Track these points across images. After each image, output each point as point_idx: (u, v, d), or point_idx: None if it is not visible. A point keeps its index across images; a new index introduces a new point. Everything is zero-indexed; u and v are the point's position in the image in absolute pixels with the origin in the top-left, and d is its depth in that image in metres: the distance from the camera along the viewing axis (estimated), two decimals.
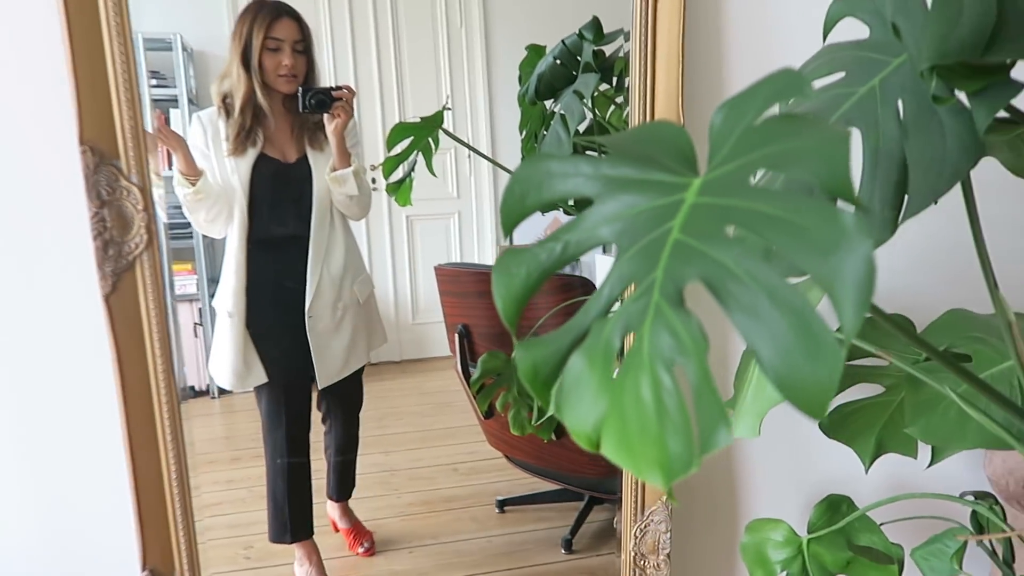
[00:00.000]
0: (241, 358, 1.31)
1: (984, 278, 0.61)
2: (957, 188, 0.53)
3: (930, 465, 1.09)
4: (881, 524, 1.11)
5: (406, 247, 1.51)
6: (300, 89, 1.23)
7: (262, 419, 1.39)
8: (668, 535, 1.19)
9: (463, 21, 1.42)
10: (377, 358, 1.50)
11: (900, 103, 0.57)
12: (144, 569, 1.01)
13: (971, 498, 1.05)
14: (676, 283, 0.41)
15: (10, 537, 1.16)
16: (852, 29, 0.67)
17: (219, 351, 1.32)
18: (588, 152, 1.33)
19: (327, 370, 1.36)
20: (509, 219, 0.49)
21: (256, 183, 1.25)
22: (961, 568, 1.00)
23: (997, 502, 1.09)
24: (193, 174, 1.22)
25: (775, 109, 0.42)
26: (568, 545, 1.58)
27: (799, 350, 0.36)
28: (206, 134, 1.25)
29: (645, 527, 1.19)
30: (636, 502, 1.18)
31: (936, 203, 0.53)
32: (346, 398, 1.43)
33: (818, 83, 0.68)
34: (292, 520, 1.42)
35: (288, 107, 1.25)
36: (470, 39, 1.43)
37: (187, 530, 1.01)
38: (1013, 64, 0.48)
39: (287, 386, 1.37)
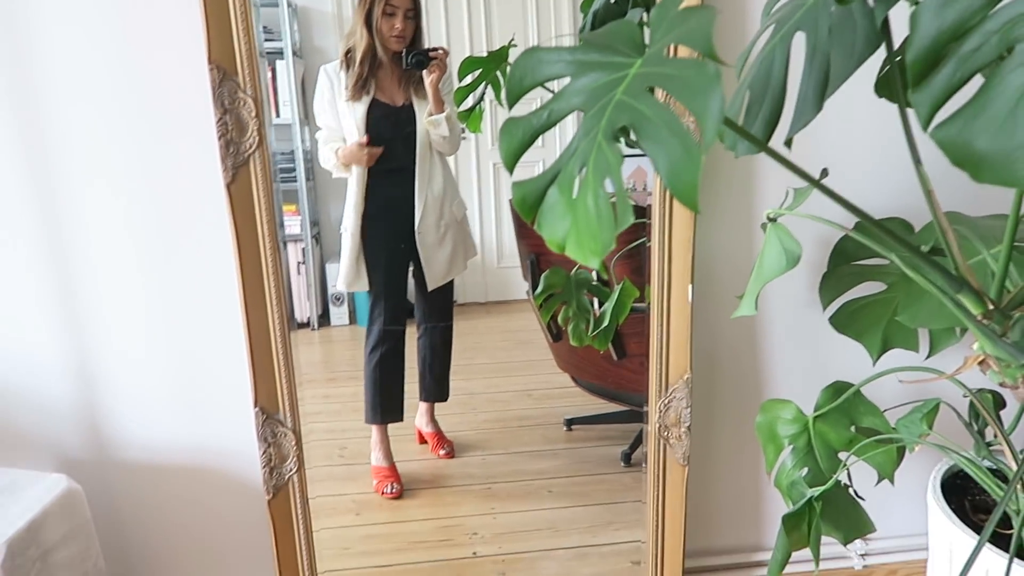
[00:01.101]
0: (354, 266, 1.58)
1: (911, 157, 0.76)
2: None
3: (929, 356, 1.22)
4: (885, 410, 1.22)
5: (492, 195, 1.70)
6: (404, 50, 1.48)
7: (367, 318, 1.63)
8: (688, 410, 1.36)
9: None
10: (464, 298, 1.70)
11: (832, 9, 0.72)
12: (256, 406, 1.28)
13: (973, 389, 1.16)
14: (613, 126, 0.59)
15: (153, 384, 1.47)
16: None
17: (343, 263, 1.60)
18: None
19: (434, 275, 1.61)
20: (512, 95, 0.69)
21: (370, 123, 1.51)
22: (931, 430, 1.12)
23: (994, 393, 1.19)
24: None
25: (694, 2, 0.59)
26: (627, 459, 1.74)
27: (681, 159, 0.54)
28: (332, 83, 1.52)
29: (668, 402, 1.36)
30: (661, 380, 1.35)
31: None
32: (442, 302, 1.67)
33: None
34: (383, 403, 1.67)
35: (396, 62, 1.50)
36: None
37: (288, 378, 1.27)
38: None
39: (391, 288, 1.63)
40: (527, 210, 0.65)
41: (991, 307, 0.81)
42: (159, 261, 1.40)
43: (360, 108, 1.51)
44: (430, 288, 1.61)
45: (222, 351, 1.43)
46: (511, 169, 0.68)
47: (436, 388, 1.72)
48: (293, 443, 1.30)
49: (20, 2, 1.27)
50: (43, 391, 1.45)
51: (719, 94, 0.51)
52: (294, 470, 1.32)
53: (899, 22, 0.75)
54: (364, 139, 1.51)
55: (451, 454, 1.73)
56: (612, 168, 0.57)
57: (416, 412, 1.72)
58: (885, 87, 0.90)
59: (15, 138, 1.33)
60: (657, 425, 1.38)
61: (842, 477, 1.15)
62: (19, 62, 1.30)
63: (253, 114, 1.14)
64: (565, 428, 1.81)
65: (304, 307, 1.66)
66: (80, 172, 1.35)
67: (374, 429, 1.68)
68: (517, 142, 0.67)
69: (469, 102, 1.53)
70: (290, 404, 1.28)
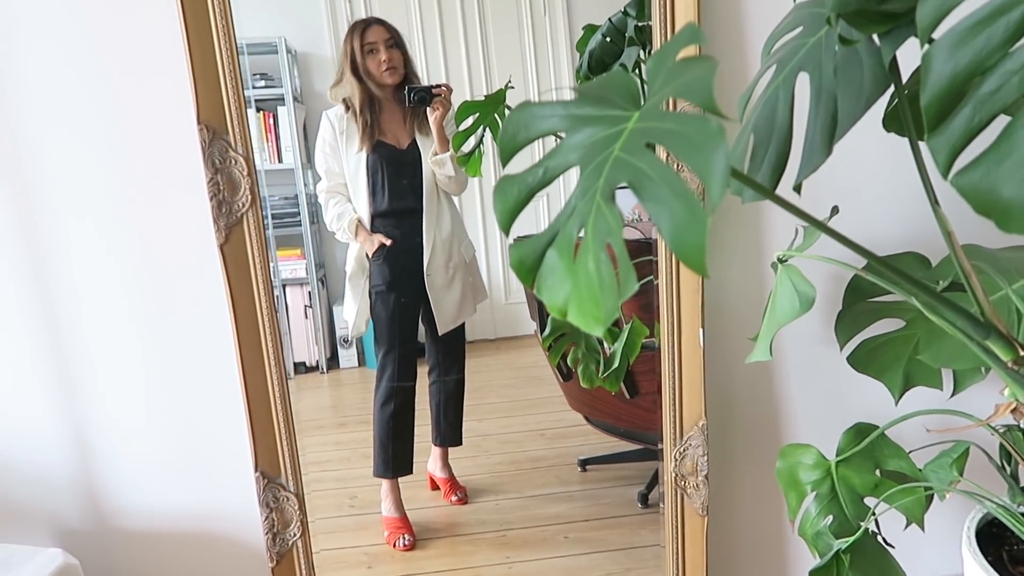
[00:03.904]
0: (366, 311, 1.56)
1: (926, 194, 0.72)
2: None
3: (953, 394, 1.17)
4: (911, 451, 1.17)
5: (498, 232, 1.65)
6: (406, 88, 1.47)
7: (377, 369, 1.60)
8: (705, 458, 1.31)
9: (547, 9, 1.57)
10: (473, 336, 1.67)
11: (837, 48, 0.69)
12: (256, 470, 1.24)
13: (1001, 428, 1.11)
14: (611, 186, 0.56)
15: (151, 450, 1.44)
16: None
17: (347, 307, 1.58)
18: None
19: (444, 318, 1.58)
20: (505, 152, 0.65)
21: (376, 166, 1.50)
22: (962, 475, 1.07)
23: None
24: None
25: (692, 51, 0.56)
26: (644, 500, 1.68)
27: (686, 221, 0.50)
28: (334, 128, 1.50)
29: (683, 450, 1.31)
30: (675, 427, 1.31)
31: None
32: (453, 345, 1.63)
33: (787, 36, 0.80)
34: (395, 458, 1.63)
35: (397, 101, 1.49)
36: (554, 25, 1.56)
37: (289, 440, 1.24)
38: (912, 10, 0.59)
39: (401, 336, 1.59)
40: (525, 273, 0.62)
41: (1022, 352, 0.76)
42: (154, 325, 1.38)
43: (363, 152, 1.49)
44: (441, 332, 1.58)
45: (220, 414, 1.40)
46: (507, 230, 0.64)
47: (451, 433, 1.68)
48: (296, 507, 1.26)
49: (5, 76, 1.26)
50: (38, 462, 1.42)
51: (724, 152, 0.48)
52: (298, 535, 1.28)
53: (907, 59, 0.72)
54: (381, 240, 1.51)
55: (464, 500, 1.69)
56: (613, 231, 0.53)
57: (427, 456, 1.68)
58: (894, 121, 0.87)
59: (5, 207, 1.32)
60: (673, 474, 1.33)
61: (870, 525, 1.10)
62: (9, 133, 1.29)
63: (245, 172, 1.12)
64: (579, 469, 1.76)
65: (312, 351, 1.64)
66: (72, 238, 1.34)
67: (384, 481, 1.64)
68: (512, 201, 0.64)
69: (469, 146, 1.51)
70: (292, 467, 1.25)
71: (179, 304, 1.37)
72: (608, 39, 1.44)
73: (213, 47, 1.09)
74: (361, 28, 1.46)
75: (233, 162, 1.11)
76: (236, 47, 1.11)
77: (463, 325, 1.62)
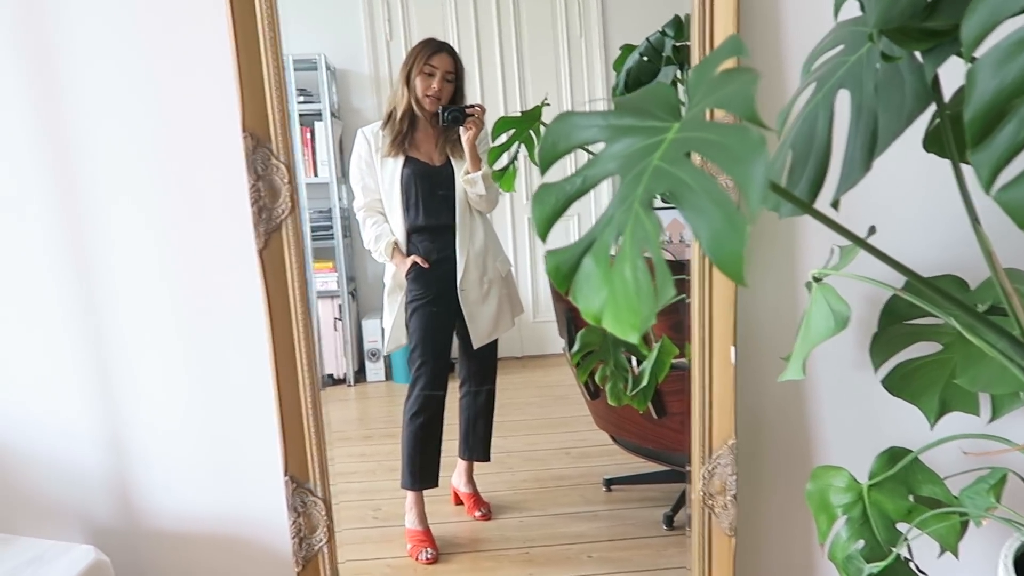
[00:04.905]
0: (402, 325, 1.58)
1: (967, 214, 0.72)
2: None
3: (991, 420, 1.15)
4: (946, 478, 1.15)
5: (528, 250, 1.69)
6: (440, 107, 1.50)
7: (410, 381, 1.62)
8: (734, 477, 1.29)
9: (583, 30, 1.59)
10: (500, 353, 1.68)
11: (878, 65, 0.69)
12: (286, 474, 1.26)
13: None
14: (650, 194, 0.56)
15: (184, 453, 1.46)
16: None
17: (386, 321, 1.61)
18: None
19: (479, 333, 1.60)
20: (545, 162, 0.66)
21: (407, 181, 1.53)
22: (999, 502, 1.05)
23: None
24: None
25: (731, 63, 0.57)
26: (669, 522, 1.67)
27: (725, 230, 0.51)
28: (370, 145, 1.54)
29: (712, 469, 1.30)
30: (704, 446, 1.30)
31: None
32: (486, 360, 1.65)
33: (828, 54, 0.80)
34: (422, 470, 1.64)
35: (433, 123, 1.52)
36: (589, 44, 1.59)
37: (319, 446, 1.25)
38: (956, 28, 0.59)
39: (435, 349, 1.61)
40: (561, 279, 0.63)
41: None
42: (191, 328, 1.40)
43: (397, 167, 1.51)
44: (476, 346, 1.59)
45: (253, 419, 1.42)
46: (544, 237, 0.65)
47: (479, 447, 1.69)
48: (323, 513, 1.27)
49: (59, 88, 1.31)
50: (74, 461, 1.45)
51: (764, 162, 0.48)
52: (324, 541, 1.29)
53: (948, 77, 0.72)
54: (414, 260, 1.54)
55: (488, 516, 1.69)
56: (651, 238, 0.54)
57: (452, 471, 1.68)
58: (935, 142, 0.87)
59: (54, 208, 1.36)
60: (701, 493, 1.32)
61: (902, 551, 1.08)
62: (64, 138, 1.32)
63: (286, 180, 1.14)
64: (604, 488, 1.75)
65: (340, 363, 1.66)
66: (115, 240, 1.37)
67: (409, 492, 1.64)
68: (550, 209, 0.65)
69: (503, 161, 1.52)
70: (320, 472, 1.26)
71: (217, 308, 1.39)
72: (646, 59, 1.45)
73: (260, 58, 1.12)
74: (431, 51, 1.49)
75: (275, 170, 1.14)
76: (282, 59, 1.14)
77: (496, 342, 1.63)
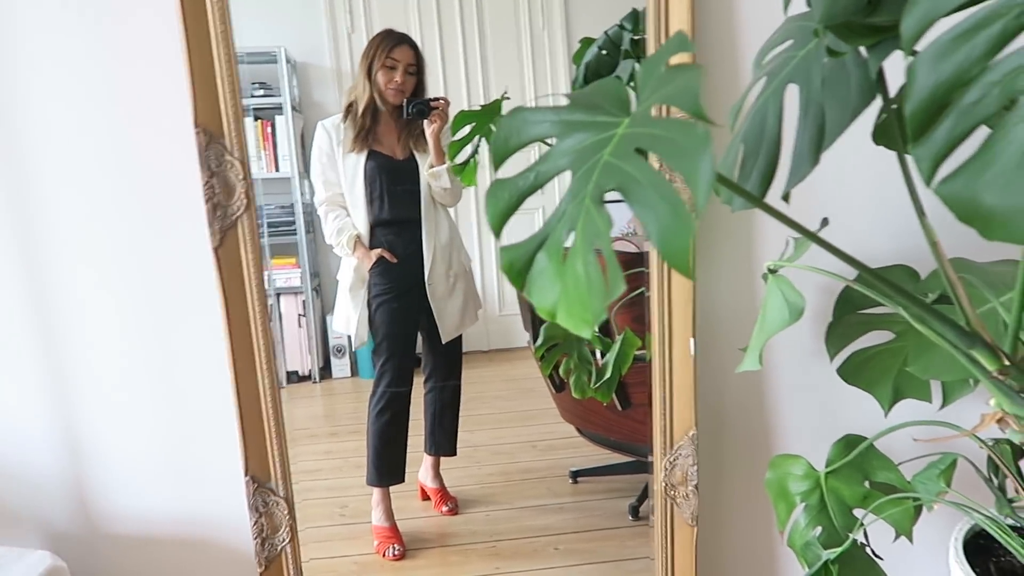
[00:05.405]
0: (366, 321, 1.56)
1: (913, 206, 0.73)
2: None
3: (942, 406, 1.18)
4: (900, 464, 1.18)
5: (492, 244, 1.68)
6: (405, 100, 1.48)
7: (375, 377, 1.60)
8: (695, 467, 1.31)
9: (545, 24, 1.59)
10: (466, 347, 1.67)
11: (824, 60, 0.70)
12: (246, 474, 1.25)
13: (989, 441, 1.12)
14: (601, 189, 0.57)
15: (142, 454, 1.44)
16: None
17: (343, 316, 1.59)
18: None
19: (447, 327, 1.59)
20: (498, 157, 0.66)
21: (371, 175, 1.51)
22: (949, 487, 1.08)
23: (1012, 444, 1.15)
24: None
25: (685, 58, 0.57)
26: (635, 512, 1.68)
27: (671, 224, 0.51)
28: (331, 138, 1.52)
29: (673, 460, 1.32)
30: (665, 437, 1.31)
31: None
32: (452, 355, 1.64)
33: (777, 49, 0.81)
34: (388, 466, 1.63)
35: (396, 116, 1.50)
36: (552, 38, 1.58)
37: (280, 445, 1.24)
38: (898, 24, 0.60)
39: (400, 345, 1.60)
40: (515, 276, 0.63)
41: (1007, 363, 0.77)
42: (145, 328, 1.38)
43: (360, 161, 1.50)
44: (444, 341, 1.59)
45: (211, 418, 1.40)
46: (498, 233, 0.65)
47: (446, 441, 1.68)
48: (285, 512, 1.26)
49: (4, 78, 1.27)
50: (28, 464, 1.42)
51: (709, 157, 0.48)
52: (287, 540, 1.28)
53: (893, 71, 0.73)
54: (381, 255, 1.52)
55: (455, 511, 1.69)
56: (601, 234, 0.54)
57: (418, 466, 1.68)
58: (883, 135, 0.88)
59: (1, 212, 1.33)
60: (663, 484, 1.33)
61: (858, 536, 1.10)
62: (10, 129, 1.29)
63: (240, 176, 1.13)
64: (571, 481, 1.76)
65: (305, 360, 1.65)
66: (67, 238, 1.34)
67: (375, 489, 1.64)
68: (504, 204, 0.65)
69: (464, 155, 1.52)
70: (282, 471, 1.25)
71: (173, 307, 1.37)
72: (604, 52, 1.45)
73: (212, 52, 1.10)
74: (392, 43, 1.48)
75: (229, 166, 1.12)
76: (234, 53, 1.12)
77: (460, 336, 1.63)
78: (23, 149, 1.31)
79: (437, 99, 1.49)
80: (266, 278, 1.23)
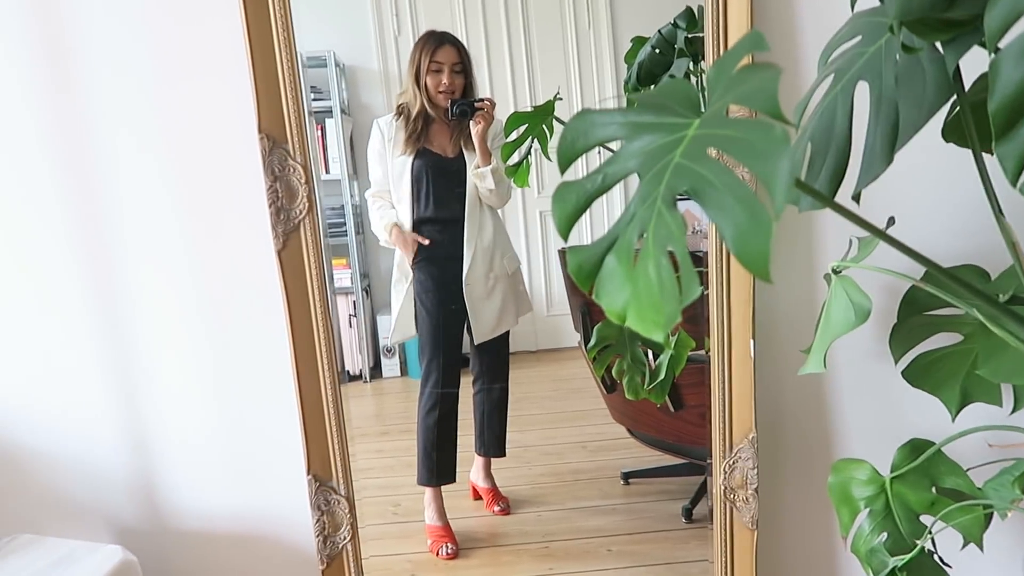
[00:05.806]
0: (408, 316, 1.58)
1: (989, 205, 0.71)
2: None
3: (1014, 411, 1.14)
4: (968, 469, 1.14)
5: (540, 244, 1.69)
6: (450, 101, 1.50)
7: (421, 376, 1.62)
8: (755, 471, 1.29)
9: (591, 23, 1.58)
10: (514, 347, 1.68)
11: (898, 57, 0.69)
12: (308, 473, 1.27)
13: None
14: (673, 192, 0.56)
15: (207, 453, 1.47)
16: None
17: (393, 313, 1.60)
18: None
19: (481, 328, 1.60)
20: (564, 160, 0.66)
21: (420, 173, 1.53)
22: None
23: None
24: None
25: (765, 57, 0.56)
26: (688, 514, 1.67)
27: (749, 227, 0.50)
28: (383, 136, 1.54)
29: (733, 463, 1.30)
30: (724, 440, 1.29)
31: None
32: (498, 356, 1.65)
33: (845, 45, 0.80)
34: (438, 466, 1.65)
35: (446, 118, 1.52)
36: (598, 37, 1.58)
37: (341, 444, 1.26)
38: (976, 18, 0.59)
39: (445, 344, 1.61)
40: (584, 278, 0.63)
41: None
42: (212, 329, 1.41)
43: (408, 159, 1.52)
44: (477, 342, 1.59)
45: (275, 418, 1.43)
46: (566, 236, 0.65)
47: (495, 443, 1.69)
48: (347, 510, 1.28)
49: (73, 90, 1.32)
50: (100, 462, 1.46)
51: (789, 158, 0.48)
52: (348, 538, 1.30)
53: (969, 67, 0.71)
54: (416, 239, 1.53)
55: (506, 511, 1.70)
56: (674, 236, 0.54)
57: (470, 465, 1.69)
58: (954, 132, 0.86)
59: (71, 217, 1.37)
60: (723, 487, 1.32)
61: (926, 543, 1.08)
62: (76, 137, 1.33)
63: (303, 180, 1.15)
64: (622, 482, 1.76)
65: (356, 360, 1.67)
66: (135, 241, 1.38)
67: (427, 489, 1.65)
68: (571, 207, 0.64)
69: (516, 157, 1.52)
70: (343, 470, 1.26)
71: (237, 309, 1.40)
72: (658, 51, 1.44)
73: (275, 59, 1.13)
74: (433, 46, 1.49)
75: (292, 170, 1.14)
76: (297, 60, 1.15)
77: (507, 335, 1.63)
78: (94, 157, 1.35)
79: (482, 100, 1.49)
80: (328, 279, 1.25)
